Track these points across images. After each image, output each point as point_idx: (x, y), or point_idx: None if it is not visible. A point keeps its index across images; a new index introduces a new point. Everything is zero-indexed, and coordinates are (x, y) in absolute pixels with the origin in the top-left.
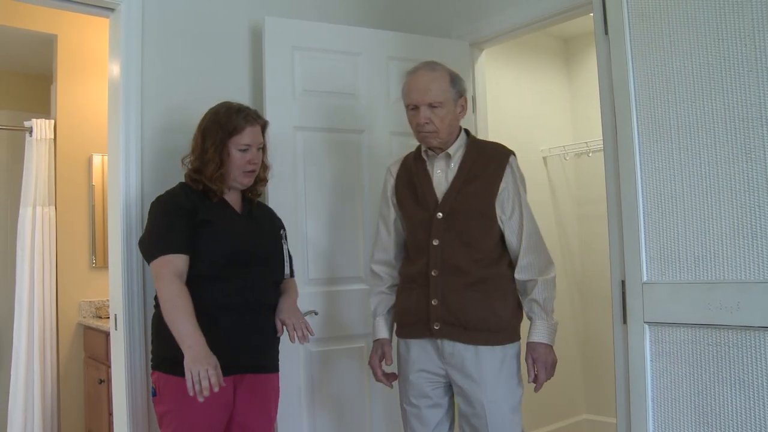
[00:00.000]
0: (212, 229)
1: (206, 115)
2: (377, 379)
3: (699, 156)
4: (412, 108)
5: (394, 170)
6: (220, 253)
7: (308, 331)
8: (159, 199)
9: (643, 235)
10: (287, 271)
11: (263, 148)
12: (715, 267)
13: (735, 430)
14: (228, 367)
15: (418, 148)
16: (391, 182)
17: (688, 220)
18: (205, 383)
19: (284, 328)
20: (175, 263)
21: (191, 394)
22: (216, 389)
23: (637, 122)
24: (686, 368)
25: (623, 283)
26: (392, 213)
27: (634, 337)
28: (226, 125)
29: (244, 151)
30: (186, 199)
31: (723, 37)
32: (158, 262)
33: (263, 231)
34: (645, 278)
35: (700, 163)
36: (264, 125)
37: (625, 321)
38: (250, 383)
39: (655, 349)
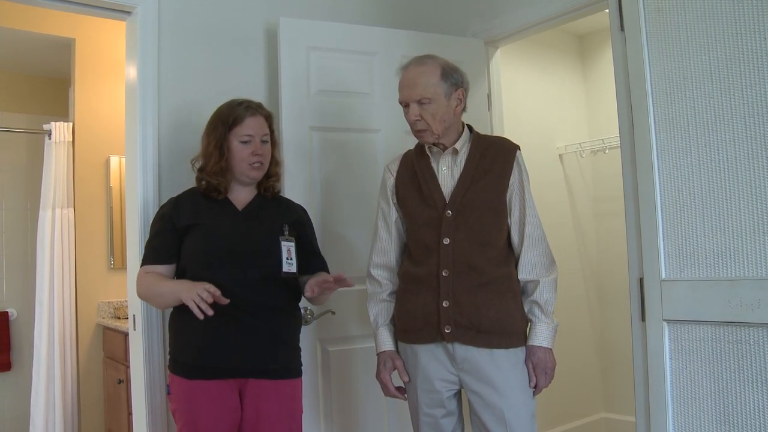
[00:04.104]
0: (196, 231)
1: (212, 114)
2: (389, 395)
3: (717, 152)
4: (405, 105)
5: (393, 168)
6: (201, 255)
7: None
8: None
9: (661, 232)
10: (287, 269)
11: (272, 142)
12: (735, 264)
13: (756, 428)
14: (224, 370)
15: (419, 145)
16: (391, 180)
17: (707, 217)
18: (206, 296)
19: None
20: (151, 270)
21: (201, 317)
22: (213, 297)
23: (654, 118)
24: (706, 366)
25: (641, 280)
26: (393, 212)
27: (653, 335)
28: (227, 118)
29: (246, 142)
30: (172, 208)
31: (741, 31)
32: (139, 271)
33: (261, 228)
34: (663, 275)
35: (719, 159)
36: (268, 116)
37: (643, 319)
38: (255, 389)
39: (674, 347)
